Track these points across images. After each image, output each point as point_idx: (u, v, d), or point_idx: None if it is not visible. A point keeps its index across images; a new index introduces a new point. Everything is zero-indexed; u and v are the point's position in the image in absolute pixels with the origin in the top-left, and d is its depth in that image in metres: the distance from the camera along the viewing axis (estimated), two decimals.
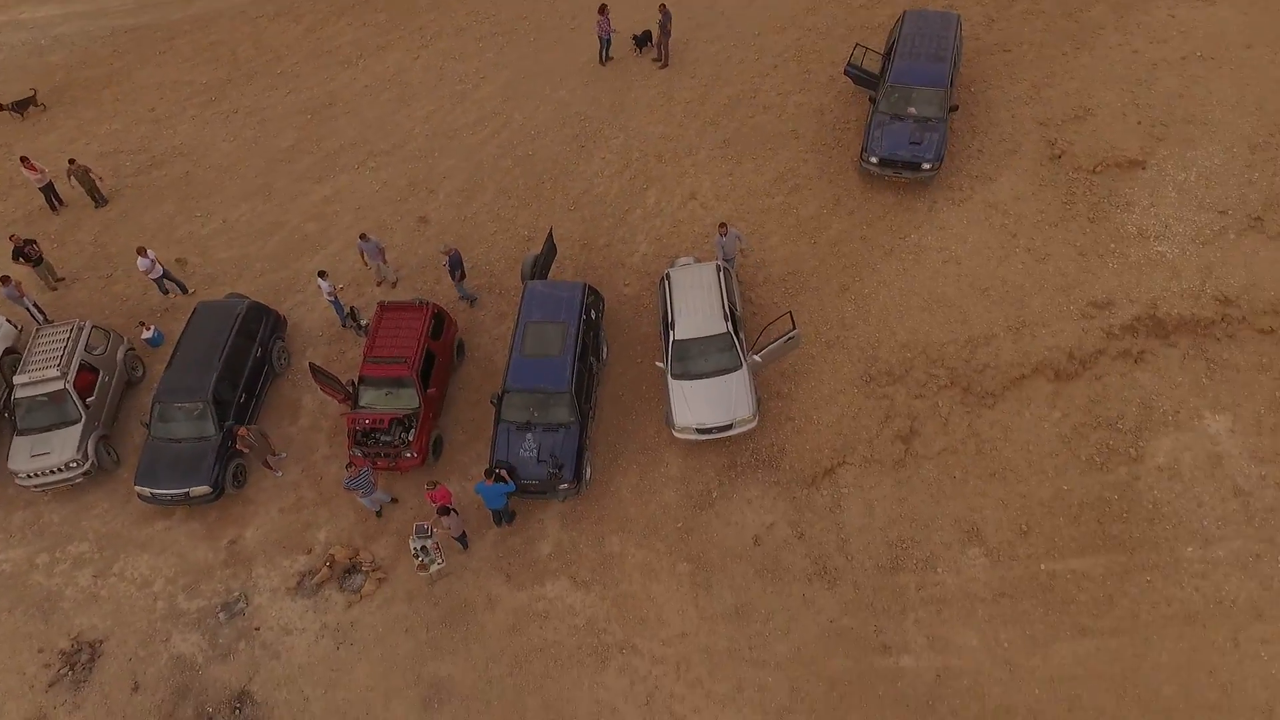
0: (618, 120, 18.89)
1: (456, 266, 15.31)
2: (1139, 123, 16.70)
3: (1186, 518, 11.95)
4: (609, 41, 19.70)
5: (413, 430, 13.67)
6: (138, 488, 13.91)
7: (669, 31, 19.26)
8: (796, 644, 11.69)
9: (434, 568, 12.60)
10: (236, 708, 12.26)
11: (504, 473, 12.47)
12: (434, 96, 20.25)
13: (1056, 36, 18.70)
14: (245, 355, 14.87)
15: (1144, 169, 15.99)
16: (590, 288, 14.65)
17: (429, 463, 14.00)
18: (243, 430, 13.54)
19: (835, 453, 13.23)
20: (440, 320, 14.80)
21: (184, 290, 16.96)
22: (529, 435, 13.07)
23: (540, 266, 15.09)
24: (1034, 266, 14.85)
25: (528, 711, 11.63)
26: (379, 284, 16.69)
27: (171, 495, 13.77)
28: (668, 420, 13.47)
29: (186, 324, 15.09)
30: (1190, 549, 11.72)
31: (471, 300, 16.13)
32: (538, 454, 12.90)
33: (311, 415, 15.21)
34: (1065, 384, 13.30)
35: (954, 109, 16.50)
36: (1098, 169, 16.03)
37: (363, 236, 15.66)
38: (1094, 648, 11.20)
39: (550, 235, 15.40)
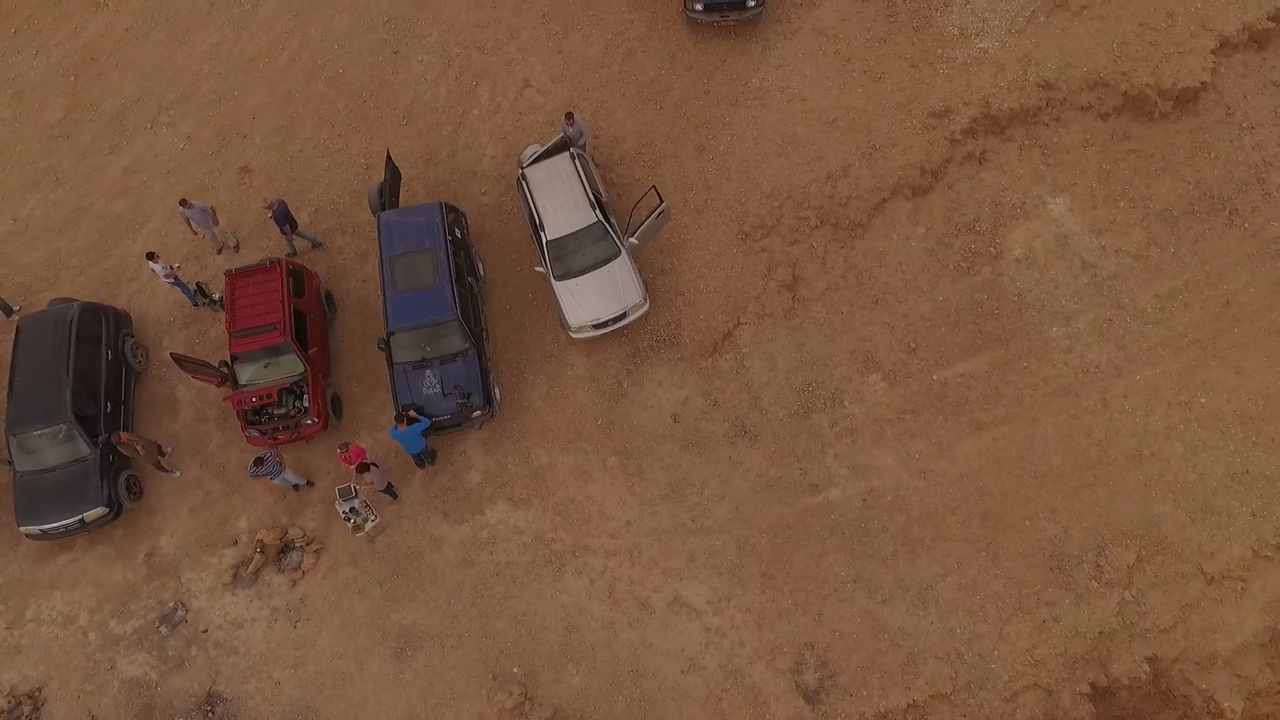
0: (425, 14, 17.35)
1: (284, 219, 14.17)
2: None
3: (1047, 300, 13.19)
4: None
5: (305, 396, 13.11)
6: (24, 528, 12.93)
7: None
8: (733, 505, 12.52)
9: (369, 525, 12.53)
10: (208, 711, 12.19)
11: (413, 413, 12.27)
12: (212, 26, 17.89)
13: None
14: (95, 362, 13.63)
15: None
16: (448, 205, 14.00)
17: (332, 424, 13.57)
18: (122, 436, 12.63)
19: (728, 315, 13.66)
20: (299, 276, 13.89)
21: (8, 312, 15.05)
22: (428, 371, 12.80)
23: (387, 194, 14.21)
24: (872, 88, 15.16)
25: (499, 634, 12.12)
26: (219, 251, 15.35)
27: (64, 526, 12.89)
28: (562, 323, 13.44)
29: (15, 344, 13.61)
30: (1055, 329, 13.04)
31: (315, 244, 15.12)
32: (442, 388, 12.71)
33: (192, 407, 14.30)
34: (922, 199, 14.02)
35: None
36: None
37: (183, 203, 14.18)
38: (990, 439, 12.54)
39: (389, 158, 14.40)
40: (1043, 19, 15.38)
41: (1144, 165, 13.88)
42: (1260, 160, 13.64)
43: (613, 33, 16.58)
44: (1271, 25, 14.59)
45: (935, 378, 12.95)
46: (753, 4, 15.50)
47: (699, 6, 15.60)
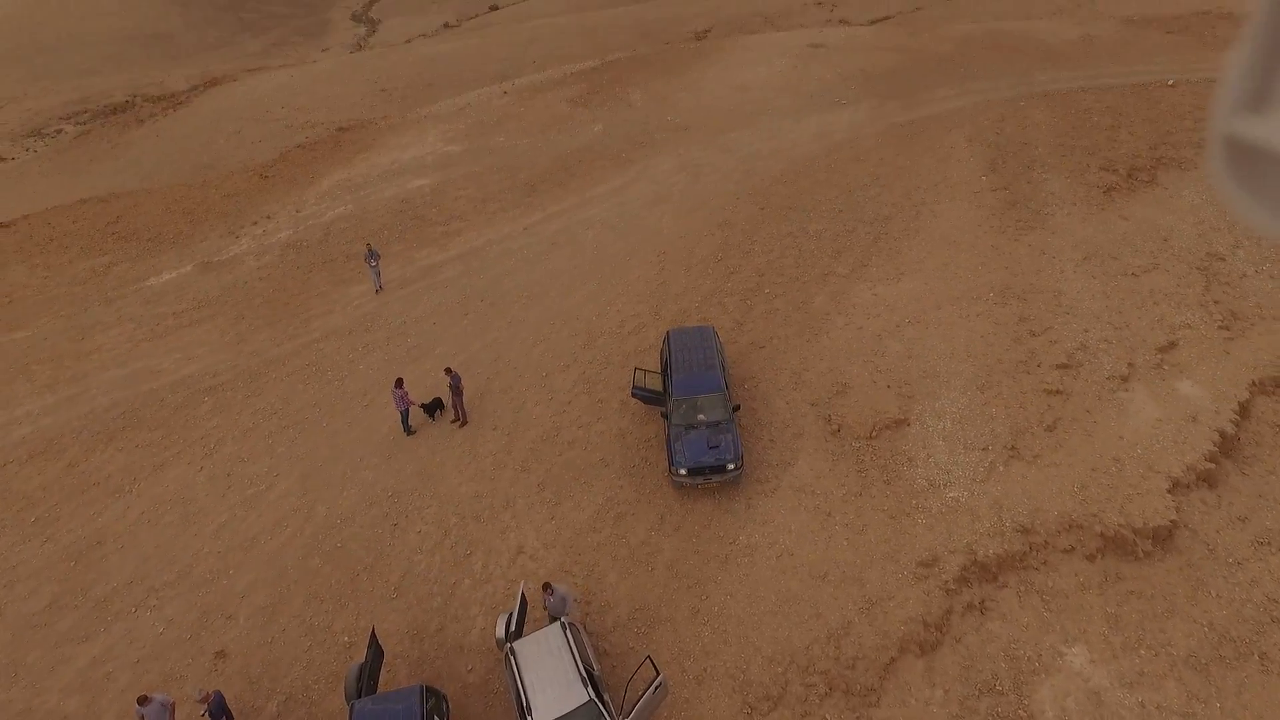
0: (428, 488, 18.52)
1: (220, 711, 13.19)
2: (888, 386, 19.15)
3: None
4: (407, 413, 19.96)
5: None
6: None
7: (461, 390, 19.94)
8: None
9: None
10: None
11: None
12: (223, 507, 18.87)
13: (796, 328, 21.67)
14: None
15: (909, 425, 18.03)
16: (428, 690, 13.08)
17: None
18: None
19: None
20: None
21: None
22: None
23: (366, 677, 13.38)
24: (856, 540, 15.57)
25: None
26: None
27: None
28: None
29: None
30: None
31: None
32: None
33: None
34: (933, 656, 13.38)
35: (736, 408, 18.03)
36: (873, 434, 17.83)
37: (141, 700, 13.17)
38: None
39: (373, 637, 13.91)
40: (1002, 468, 16.55)
41: (1149, 608, 13.62)
42: (1264, 597, 13.47)
43: (604, 498, 17.54)
44: (1212, 466, 15.72)
45: None
46: (732, 467, 16.75)
47: (683, 471, 16.81)
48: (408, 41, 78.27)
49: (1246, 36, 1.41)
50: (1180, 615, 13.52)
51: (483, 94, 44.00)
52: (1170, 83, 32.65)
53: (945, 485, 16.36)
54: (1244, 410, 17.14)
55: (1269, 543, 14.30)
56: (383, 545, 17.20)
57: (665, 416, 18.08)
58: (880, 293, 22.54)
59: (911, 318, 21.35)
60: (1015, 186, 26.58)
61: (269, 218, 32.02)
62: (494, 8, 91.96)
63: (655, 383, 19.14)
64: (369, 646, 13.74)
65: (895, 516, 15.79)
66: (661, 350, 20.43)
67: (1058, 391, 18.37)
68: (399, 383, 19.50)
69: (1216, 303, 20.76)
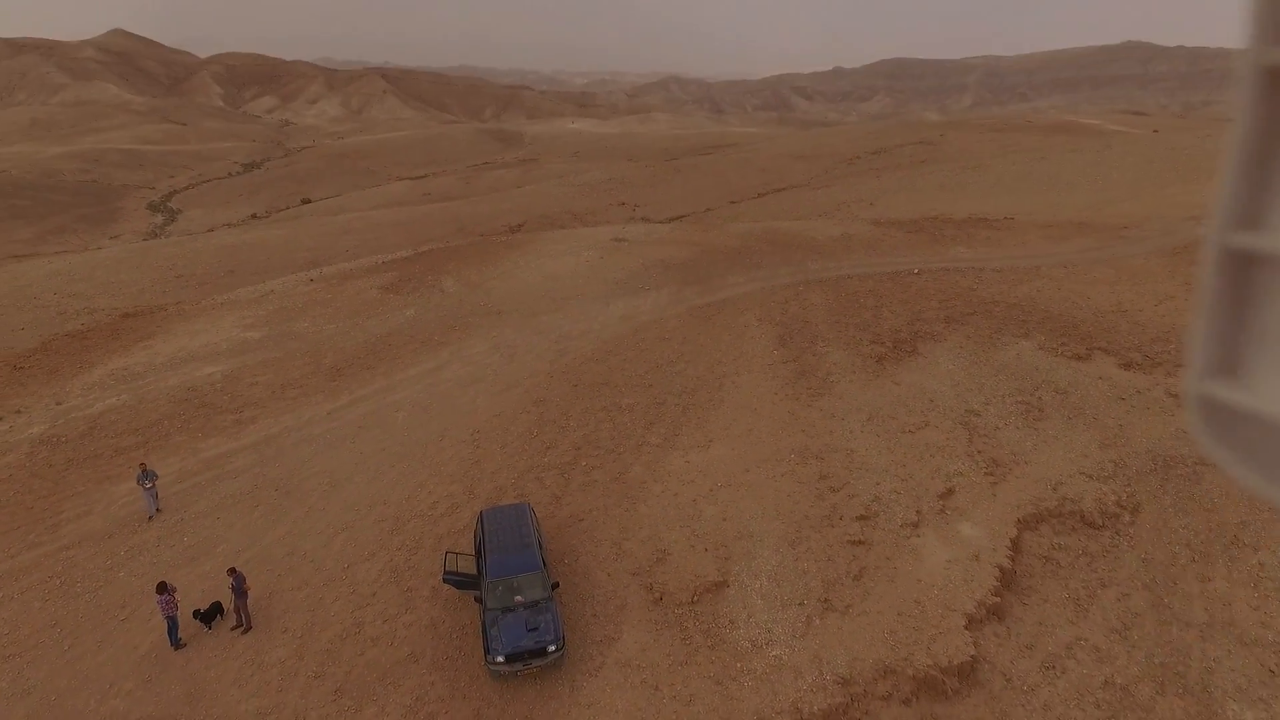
0: (198, 712, 15.67)
1: None
2: (706, 550, 19.31)
3: None
4: (175, 622, 17.19)
5: None
6: None
7: (245, 591, 17.64)
8: None
9: None
10: None
11: None
12: None
13: (615, 498, 21.65)
14: None
15: (729, 586, 18.08)
16: None
17: None
18: None
19: None
20: None
21: None
22: None
23: None
24: (685, 712, 14.86)
25: None
26: None
27: None
28: None
29: None
30: None
31: None
32: None
33: None
34: None
35: (555, 586, 17.28)
36: (694, 599, 17.65)
37: None
38: None
39: None
40: (819, 621, 16.83)
41: None
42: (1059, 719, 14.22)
43: (413, 698, 15.69)
44: (998, 599, 16.96)
45: None
46: (553, 649, 15.74)
47: (500, 659, 15.53)
48: (210, 231, 76.25)
49: (1200, 307, 1.37)
50: None
51: (288, 281, 43.08)
52: (915, 271, 38.50)
53: (767, 644, 16.28)
54: (1015, 545, 18.90)
55: (1053, 666, 15.33)
56: None
57: (480, 601, 16.91)
58: (693, 459, 23.29)
59: (724, 481, 22.10)
60: (803, 359, 29.33)
61: (18, 412, 28.16)
62: (306, 201, 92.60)
63: (469, 565, 18.04)
64: None
65: (721, 682, 15.34)
66: (475, 531, 19.49)
67: (860, 541, 19.37)
68: (162, 587, 16.96)
69: (980, 452, 23.38)
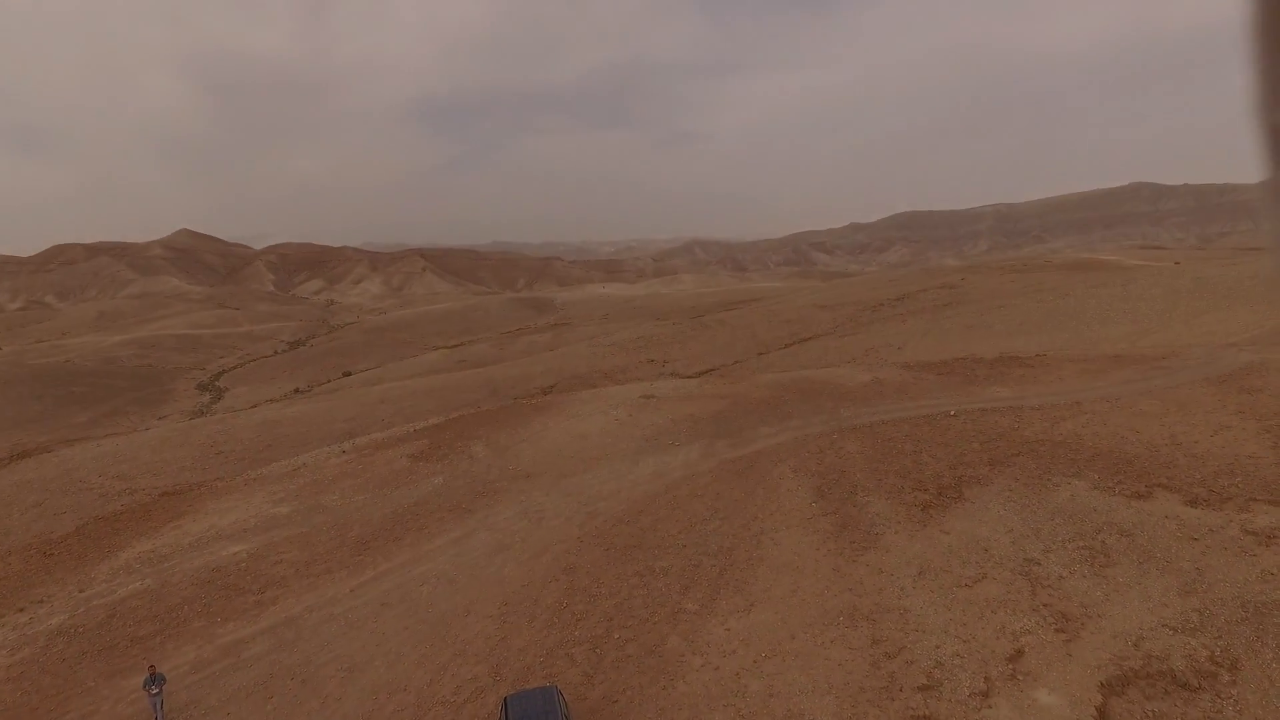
0: None
1: None
2: None
3: None
4: None
5: None
6: None
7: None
8: None
9: None
10: None
11: None
12: None
13: (650, 675, 19.94)
14: None
15: None
16: None
17: None
18: None
19: None
20: None
21: None
22: None
23: None
24: None
25: None
26: None
27: None
28: None
29: None
30: None
31: None
32: None
33: None
34: None
35: None
36: None
37: None
38: None
39: None
40: None
41: None
42: None
43: None
44: None
45: None
46: None
47: None
48: (253, 406, 78.27)
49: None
50: None
51: (320, 454, 43.32)
52: (951, 412, 37.48)
53: None
54: (1102, 713, 16.72)
55: None
56: None
57: None
58: (733, 627, 21.63)
59: (768, 651, 20.34)
60: (843, 510, 27.94)
61: (40, 602, 27.58)
62: (347, 374, 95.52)
63: None
64: None
65: None
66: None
67: (926, 717, 17.34)
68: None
69: (1046, 605, 21.40)
